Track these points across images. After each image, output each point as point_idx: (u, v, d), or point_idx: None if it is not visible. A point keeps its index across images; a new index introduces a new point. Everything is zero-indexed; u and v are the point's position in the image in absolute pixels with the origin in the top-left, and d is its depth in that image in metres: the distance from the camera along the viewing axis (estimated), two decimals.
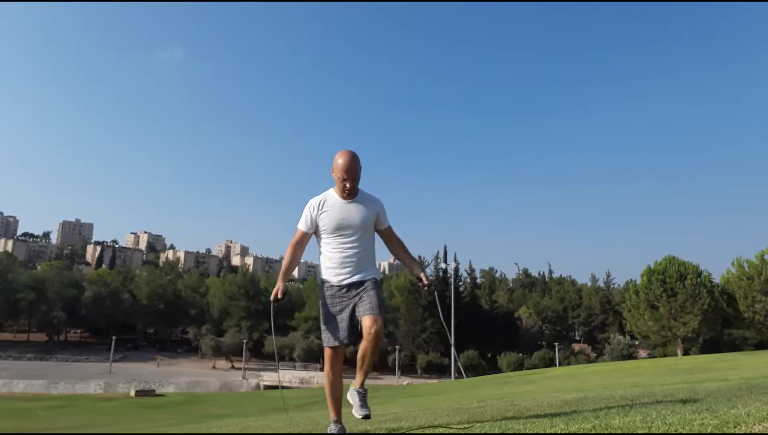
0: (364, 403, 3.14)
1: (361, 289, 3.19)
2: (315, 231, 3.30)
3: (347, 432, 3.20)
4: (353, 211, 3.23)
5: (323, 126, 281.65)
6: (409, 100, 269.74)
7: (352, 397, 3.18)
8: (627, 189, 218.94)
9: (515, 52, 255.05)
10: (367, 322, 3.07)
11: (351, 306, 3.17)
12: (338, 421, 3.20)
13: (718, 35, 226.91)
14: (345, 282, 3.19)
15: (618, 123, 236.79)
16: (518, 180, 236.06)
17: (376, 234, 3.41)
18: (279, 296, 3.25)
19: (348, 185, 3.17)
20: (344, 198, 3.24)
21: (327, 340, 3.17)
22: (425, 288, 3.38)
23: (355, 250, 3.22)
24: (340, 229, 3.21)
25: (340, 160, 3.14)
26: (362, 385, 3.20)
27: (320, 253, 3.32)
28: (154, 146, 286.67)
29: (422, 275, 3.39)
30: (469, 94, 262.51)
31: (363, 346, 3.12)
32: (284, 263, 3.36)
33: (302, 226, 3.28)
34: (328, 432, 3.19)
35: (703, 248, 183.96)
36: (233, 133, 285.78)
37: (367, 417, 3.08)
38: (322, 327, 3.20)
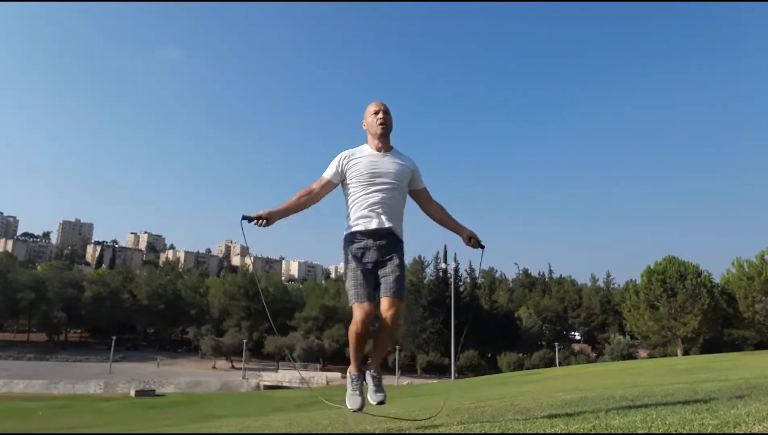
0: (379, 387, 2.99)
1: (387, 247, 2.95)
2: (342, 182, 3.07)
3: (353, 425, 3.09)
4: (387, 162, 3.05)
5: (323, 125, 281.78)
6: (408, 100, 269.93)
7: (366, 381, 3.03)
8: (627, 189, 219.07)
9: (515, 54, 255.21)
10: (385, 305, 2.89)
11: (376, 259, 2.93)
12: (362, 375, 3.03)
13: (718, 34, 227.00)
14: (372, 226, 2.93)
15: (618, 123, 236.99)
16: (518, 180, 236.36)
17: (409, 199, 3.18)
18: (251, 215, 2.87)
19: (382, 117, 3.07)
20: (379, 135, 3.07)
21: (355, 296, 2.86)
22: (480, 247, 3.13)
23: (386, 198, 2.98)
24: (371, 177, 2.99)
25: (371, 105, 3.14)
26: (376, 369, 3.05)
27: (347, 205, 3.07)
28: (154, 146, 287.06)
29: (473, 234, 3.14)
30: (468, 95, 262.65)
31: (379, 329, 2.95)
32: (285, 202, 3.02)
33: (327, 173, 3.06)
34: (350, 390, 2.98)
35: (703, 248, 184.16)
36: (233, 132, 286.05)
37: (381, 403, 2.94)
38: (349, 284, 2.91)
